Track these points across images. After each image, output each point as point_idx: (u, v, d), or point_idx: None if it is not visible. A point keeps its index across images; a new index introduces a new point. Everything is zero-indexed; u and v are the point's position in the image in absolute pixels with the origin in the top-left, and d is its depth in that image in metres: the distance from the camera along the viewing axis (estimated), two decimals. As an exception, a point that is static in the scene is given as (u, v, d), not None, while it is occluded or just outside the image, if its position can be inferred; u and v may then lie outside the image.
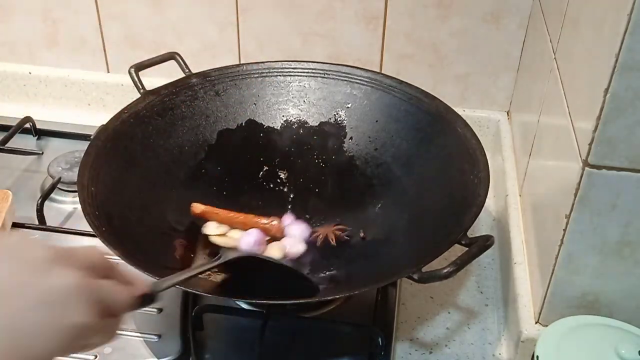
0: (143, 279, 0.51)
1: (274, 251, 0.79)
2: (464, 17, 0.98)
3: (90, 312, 0.42)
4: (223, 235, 0.82)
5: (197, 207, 0.82)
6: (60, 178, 0.93)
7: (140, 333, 0.73)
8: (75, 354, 0.44)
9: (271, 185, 0.89)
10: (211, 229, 0.82)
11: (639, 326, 0.65)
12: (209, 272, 0.74)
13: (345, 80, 0.91)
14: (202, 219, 0.82)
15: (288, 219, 0.84)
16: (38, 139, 1.06)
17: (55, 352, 0.41)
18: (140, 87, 0.87)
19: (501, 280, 0.85)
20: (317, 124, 0.91)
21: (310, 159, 0.90)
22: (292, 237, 0.81)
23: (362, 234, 0.82)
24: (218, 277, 0.74)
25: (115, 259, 0.49)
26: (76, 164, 0.92)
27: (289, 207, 0.87)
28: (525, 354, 0.70)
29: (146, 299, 0.51)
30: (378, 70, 0.96)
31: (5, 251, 0.43)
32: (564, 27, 0.74)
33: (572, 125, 0.64)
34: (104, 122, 0.83)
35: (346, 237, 0.81)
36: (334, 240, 0.81)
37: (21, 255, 0.42)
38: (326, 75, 0.92)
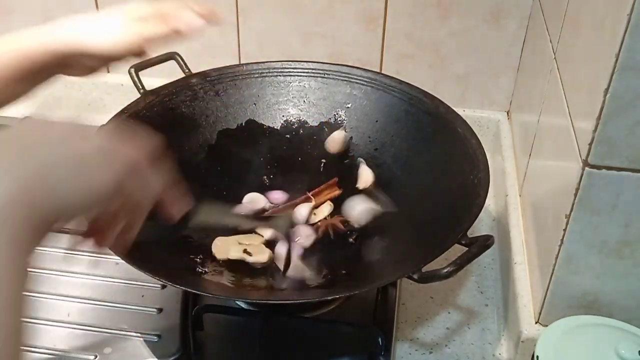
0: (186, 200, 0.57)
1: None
2: (464, 17, 0.98)
3: (121, 191, 0.47)
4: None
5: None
6: (60, 178, 0.93)
7: (140, 333, 0.73)
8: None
9: (271, 186, 0.89)
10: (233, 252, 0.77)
11: (639, 326, 0.65)
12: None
13: (345, 80, 0.91)
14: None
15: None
16: (38, 139, 1.06)
17: (79, 209, 0.45)
18: (140, 87, 0.87)
19: (501, 280, 0.85)
20: (317, 124, 0.91)
21: (310, 159, 0.90)
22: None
23: (351, 239, 0.82)
24: (218, 277, 0.74)
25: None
26: (76, 164, 0.92)
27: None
28: (525, 354, 0.70)
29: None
30: (378, 70, 0.96)
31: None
32: (564, 27, 0.74)
33: (572, 125, 0.64)
34: (104, 122, 0.83)
35: (343, 229, 0.81)
36: (333, 234, 0.80)
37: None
38: (326, 75, 0.92)
